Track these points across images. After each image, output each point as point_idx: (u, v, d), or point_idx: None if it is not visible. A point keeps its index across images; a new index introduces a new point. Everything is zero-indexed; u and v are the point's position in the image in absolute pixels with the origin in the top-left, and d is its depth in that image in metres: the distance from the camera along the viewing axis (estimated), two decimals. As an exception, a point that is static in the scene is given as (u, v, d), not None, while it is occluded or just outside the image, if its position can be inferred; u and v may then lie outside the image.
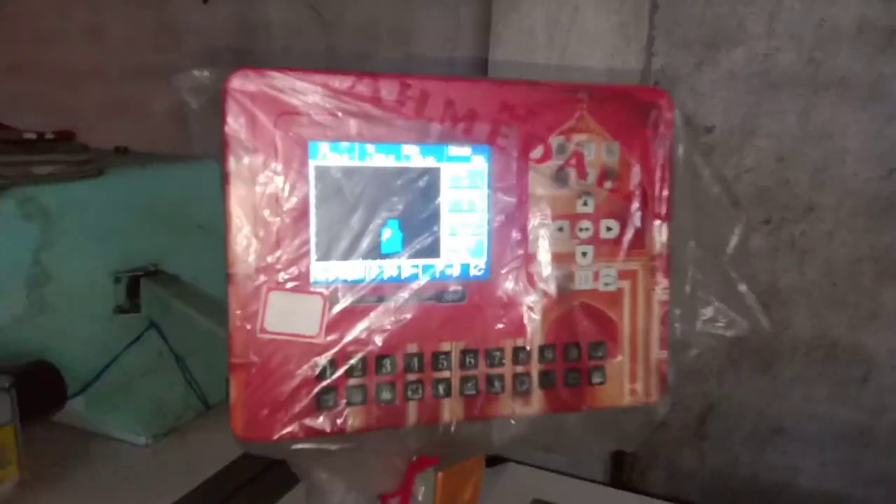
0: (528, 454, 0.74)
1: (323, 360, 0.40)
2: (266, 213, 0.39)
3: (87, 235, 0.68)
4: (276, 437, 0.40)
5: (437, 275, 0.42)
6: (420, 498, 0.47)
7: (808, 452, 0.84)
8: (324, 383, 0.40)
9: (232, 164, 0.39)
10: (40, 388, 0.63)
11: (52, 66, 1.05)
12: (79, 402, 0.69)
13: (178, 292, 0.69)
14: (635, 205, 0.45)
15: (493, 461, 0.69)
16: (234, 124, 0.39)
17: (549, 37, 0.78)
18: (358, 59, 0.87)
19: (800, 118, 0.81)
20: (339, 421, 0.40)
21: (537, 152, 0.43)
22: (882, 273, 0.79)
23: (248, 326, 0.39)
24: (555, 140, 0.43)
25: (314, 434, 0.40)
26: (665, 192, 0.45)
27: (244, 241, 0.39)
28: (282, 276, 0.40)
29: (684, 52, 0.82)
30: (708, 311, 0.46)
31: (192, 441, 0.73)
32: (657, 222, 0.45)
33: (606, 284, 0.44)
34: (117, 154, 0.81)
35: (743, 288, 0.45)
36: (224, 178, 0.39)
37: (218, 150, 0.39)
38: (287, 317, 0.40)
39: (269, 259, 0.40)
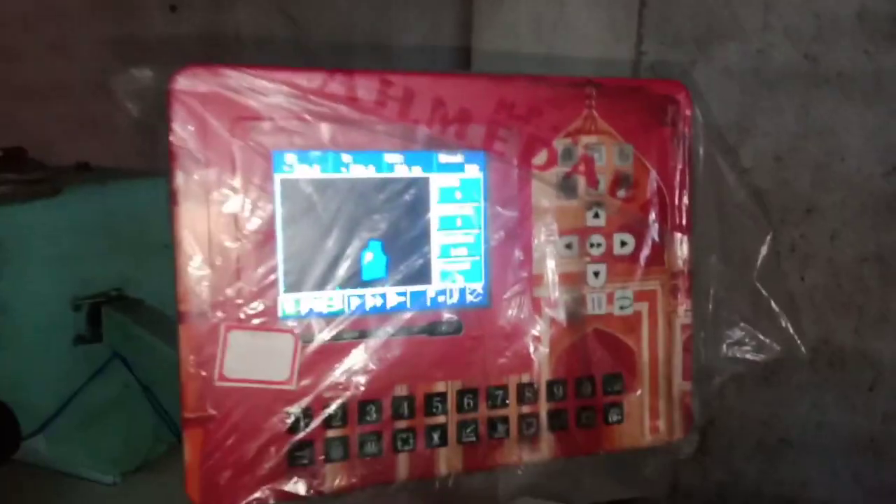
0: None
1: (295, 409, 0.35)
2: (223, 237, 0.33)
3: (42, 260, 0.63)
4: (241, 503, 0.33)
5: (428, 303, 0.37)
6: (415, 559, 0.40)
7: (817, 463, 0.79)
8: (297, 437, 0.35)
9: (180, 179, 0.33)
10: None
11: (14, 83, 0.99)
12: (39, 441, 0.64)
13: (142, 319, 0.63)
14: (653, 216, 0.40)
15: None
16: (182, 132, 0.33)
17: (534, 35, 0.73)
18: (334, 67, 0.81)
19: (798, 115, 0.76)
20: (316, 481, 0.35)
21: (540, 158, 0.38)
22: (888, 274, 0.74)
23: (204, 374, 0.33)
24: (560, 143, 0.39)
25: (287, 499, 0.34)
26: (685, 201, 0.40)
27: (197, 272, 0.33)
28: (244, 311, 0.34)
29: (675, 49, 0.77)
30: (734, 334, 0.41)
31: (165, 476, 0.67)
32: (677, 235, 0.41)
33: (622, 308, 0.40)
34: (78, 171, 0.75)
35: (775, 307, 0.39)
36: (171, 197, 0.33)
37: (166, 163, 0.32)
38: (251, 360, 0.34)
39: (229, 292, 0.34)
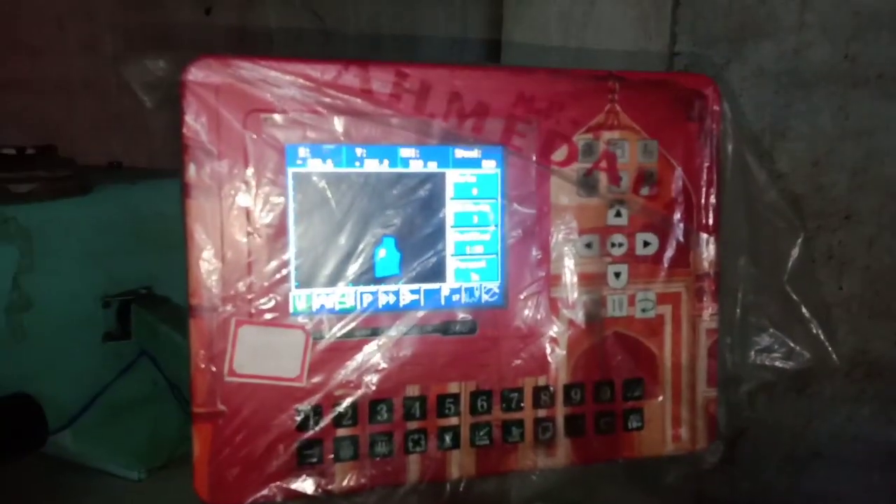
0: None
1: (305, 407, 0.34)
2: (235, 231, 0.33)
3: (72, 257, 0.62)
4: (248, 501, 0.33)
5: (442, 302, 0.36)
6: (426, 563, 0.39)
7: (851, 478, 0.75)
8: (306, 435, 0.34)
9: (192, 172, 0.32)
10: (17, 423, 0.57)
11: (46, 81, 1.01)
12: (66, 436, 0.63)
13: (169, 317, 0.63)
14: (677, 215, 0.38)
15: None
16: (195, 124, 0.32)
17: (563, 34, 0.71)
18: (361, 43, 0.81)
19: (835, 117, 0.72)
20: (324, 481, 0.34)
21: (560, 154, 0.37)
22: (930, 284, 0.70)
23: (214, 369, 0.33)
24: (581, 139, 0.37)
25: (295, 497, 0.33)
26: (712, 200, 0.38)
27: (208, 266, 0.32)
28: (255, 306, 0.33)
29: (709, 49, 0.74)
30: (763, 340, 0.39)
31: (190, 474, 0.66)
32: (703, 236, 0.39)
33: (644, 310, 0.38)
34: (110, 169, 0.75)
35: (806, 313, 0.36)
36: (183, 190, 0.32)
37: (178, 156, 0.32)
38: (261, 356, 0.33)
39: (240, 286, 0.33)
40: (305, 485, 0.33)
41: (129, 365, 0.66)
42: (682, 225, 0.38)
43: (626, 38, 0.70)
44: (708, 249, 0.38)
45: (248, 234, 0.33)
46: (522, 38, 0.71)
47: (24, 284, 0.59)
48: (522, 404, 0.36)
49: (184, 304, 0.68)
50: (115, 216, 0.66)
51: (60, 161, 0.65)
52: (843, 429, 0.75)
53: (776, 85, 0.72)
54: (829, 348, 0.37)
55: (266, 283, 0.33)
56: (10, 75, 1.03)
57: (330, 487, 0.33)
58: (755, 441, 0.77)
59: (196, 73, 0.32)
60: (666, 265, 0.38)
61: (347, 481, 0.34)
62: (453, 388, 0.36)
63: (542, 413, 0.37)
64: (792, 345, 0.39)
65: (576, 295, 0.37)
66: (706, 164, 0.38)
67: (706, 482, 0.77)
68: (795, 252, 0.38)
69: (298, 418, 0.33)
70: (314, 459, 0.33)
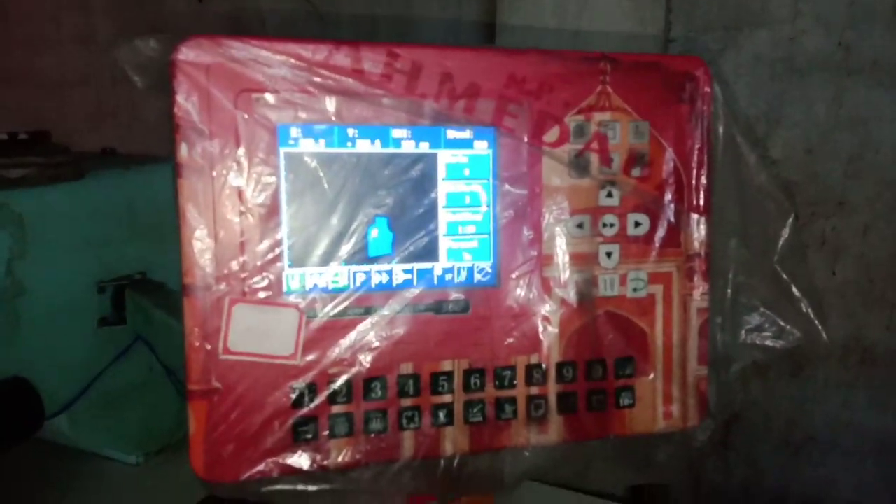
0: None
1: (300, 384, 0.34)
2: (227, 210, 0.33)
3: (66, 242, 0.62)
4: (244, 477, 0.33)
5: (435, 281, 0.36)
6: (420, 540, 0.39)
7: (845, 464, 0.76)
8: (301, 412, 0.34)
9: (183, 152, 0.32)
10: (13, 408, 0.57)
11: (41, 73, 1.00)
12: (62, 421, 0.64)
13: (164, 302, 0.63)
14: (668, 196, 0.38)
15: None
16: (186, 104, 0.32)
17: (558, 20, 0.71)
18: (356, 25, 0.81)
19: (830, 105, 0.73)
20: (319, 457, 0.34)
21: (552, 135, 0.37)
22: (923, 270, 0.70)
23: (209, 347, 0.33)
24: (572, 120, 0.37)
25: (291, 473, 0.34)
26: (703, 181, 0.39)
27: (201, 245, 0.33)
28: (248, 285, 0.33)
29: (704, 37, 0.74)
30: (753, 320, 0.39)
31: (186, 459, 0.67)
32: (694, 216, 0.39)
33: (635, 290, 0.38)
34: (104, 156, 0.75)
35: (796, 292, 0.37)
36: (175, 170, 0.32)
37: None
38: (255, 334, 0.33)
39: (233, 266, 0.33)
40: (301, 461, 0.33)
41: (124, 350, 0.66)
42: (673, 205, 0.38)
43: (621, 25, 0.70)
44: (699, 230, 0.39)
45: (241, 213, 0.33)
46: (516, 26, 0.71)
47: (17, 270, 0.59)
48: (515, 382, 0.37)
49: (179, 289, 0.69)
50: (109, 202, 0.66)
51: (54, 147, 0.65)
52: (837, 415, 0.76)
53: (771, 73, 0.73)
54: (819, 327, 0.38)
55: (259, 263, 0.33)
56: (5, 68, 1.03)
57: (325, 463, 0.34)
58: (749, 425, 0.78)
59: (187, 53, 0.32)
60: (657, 245, 0.38)
61: (342, 457, 0.34)
62: (446, 366, 0.36)
63: (534, 391, 0.37)
64: (782, 324, 0.39)
65: (567, 274, 0.37)
66: (697, 146, 0.38)
67: (703, 467, 0.78)
68: (786, 233, 0.39)
69: (293, 395, 0.34)
70: (309, 436, 0.34)
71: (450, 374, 0.36)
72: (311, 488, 0.34)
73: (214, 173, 0.32)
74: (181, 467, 0.66)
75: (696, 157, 0.38)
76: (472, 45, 0.78)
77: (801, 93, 0.72)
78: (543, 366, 0.37)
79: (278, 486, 0.33)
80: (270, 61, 0.32)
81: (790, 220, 0.39)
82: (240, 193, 0.33)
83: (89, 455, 0.65)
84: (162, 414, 0.69)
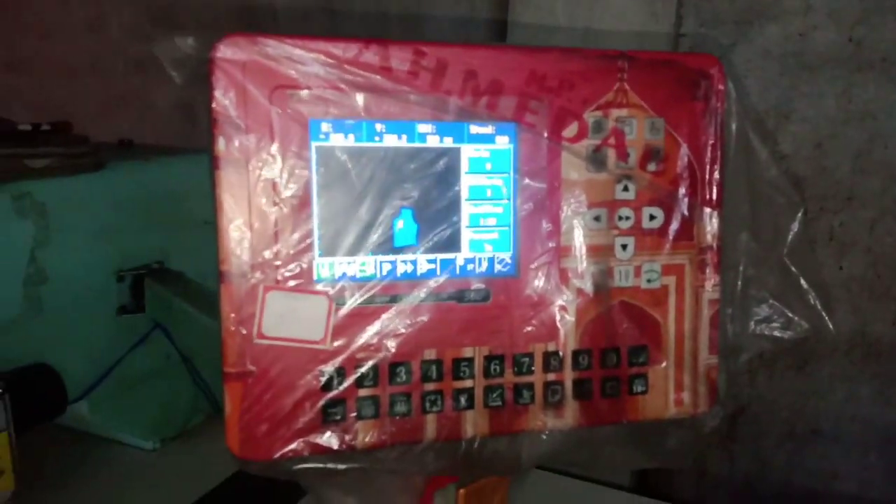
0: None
1: (329, 368, 0.36)
2: (262, 201, 0.34)
3: (87, 232, 0.64)
4: (276, 455, 0.35)
5: (458, 271, 0.38)
6: (440, 519, 0.41)
7: (849, 456, 0.77)
8: (330, 395, 0.36)
9: (221, 145, 0.34)
10: (38, 392, 0.59)
11: (52, 61, 1.02)
12: (82, 406, 0.66)
13: (182, 291, 0.64)
14: (682, 190, 0.40)
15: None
16: (223, 99, 0.33)
17: (569, 16, 0.72)
18: (367, 22, 0.82)
19: (839, 100, 0.74)
20: (348, 437, 0.36)
21: (571, 130, 0.38)
22: (930, 265, 0.72)
23: (244, 331, 0.34)
24: (591, 116, 0.38)
25: (320, 452, 0.35)
26: (716, 176, 0.40)
27: (237, 234, 0.34)
28: (281, 273, 0.35)
29: (715, 31, 0.75)
30: (762, 311, 0.41)
31: (203, 445, 0.69)
32: (707, 210, 0.40)
33: (649, 281, 0.40)
34: (121, 147, 0.77)
35: (804, 284, 0.39)
36: (213, 162, 0.34)
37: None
38: (288, 320, 0.35)
39: (267, 254, 0.35)
40: (330, 440, 0.35)
41: (142, 338, 0.68)
42: (686, 200, 0.39)
43: (632, 20, 0.71)
44: (711, 223, 0.40)
45: (275, 204, 0.34)
46: (529, 19, 0.72)
47: (40, 258, 0.61)
48: (533, 368, 0.38)
49: (196, 279, 0.70)
50: (128, 193, 0.67)
51: (75, 138, 0.66)
52: (841, 407, 0.77)
53: (781, 67, 0.74)
54: (826, 318, 0.39)
55: (291, 252, 0.35)
56: (18, 56, 1.04)
57: (353, 443, 0.35)
58: (755, 418, 0.80)
59: (224, 51, 0.33)
60: (671, 238, 0.39)
61: (369, 438, 0.36)
62: (468, 352, 0.37)
63: (551, 377, 0.38)
64: (790, 315, 0.40)
65: (584, 265, 0.38)
66: (710, 142, 0.39)
67: (708, 459, 0.80)
68: (795, 227, 0.40)
69: (323, 379, 0.35)
70: (338, 417, 0.35)
71: (471, 361, 0.37)
72: (340, 467, 0.35)
73: (250, 166, 0.34)
74: (196, 453, 0.68)
75: (709, 153, 0.39)
76: (483, 41, 0.79)
77: (810, 88, 0.74)
78: (560, 353, 0.38)
79: (308, 465, 0.35)
80: (303, 59, 0.34)
81: (799, 214, 0.40)
82: (274, 185, 0.34)
83: (106, 440, 0.67)
84: (178, 401, 0.71)
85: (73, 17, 1.01)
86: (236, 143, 0.34)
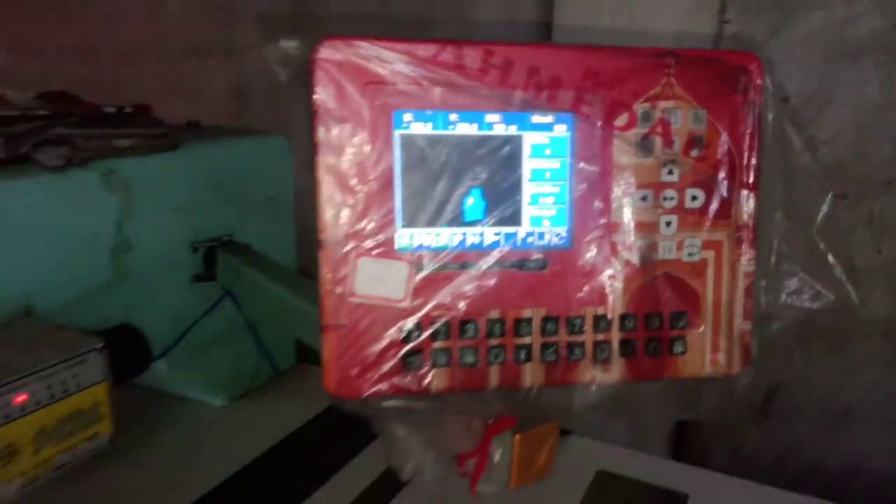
0: (591, 427, 0.73)
1: (409, 323, 0.41)
2: (354, 181, 0.40)
3: (165, 206, 0.70)
4: (365, 394, 0.41)
5: (519, 243, 0.43)
6: (497, 459, 0.48)
7: (881, 437, 0.81)
8: (410, 346, 0.41)
9: (321, 133, 0.40)
10: (128, 350, 0.65)
11: (112, 43, 1.07)
12: (160, 365, 0.72)
13: (251, 261, 0.70)
14: (722, 174, 0.44)
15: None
16: (323, 94, 0.39)
17: (615, 3, 0.76)
18: (416, 25, 0.86)
19: (883, 86, 0.77)
20: (424, 382, 0.42)
21: (622, 120, 0.43)
22: (968, 249, 0.75)
23: (339, 290, 0.41)
24: (640, 107, 0.43)
25: (401, 392, 0.41)
26: (753, 161, 0.44)
27: (333, 209, 0.40)
28: (369, 242, 0.41)
29: (758, 18, 0.79)
30: (793, 283, 0.45)
31: (265, 404, 0.75)
32: (744, 192, 0.44)
33: (690, 255, 0.44)
34: (189, 128, 0.83)
35: (831, 259, 0.44)
36: (314, 148, 0.40)
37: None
38: (375, 282, 0.41)
39: (357, 226, 0.41)
40: (409, 384, 0.41)
41: (214, 303, 0.74)
42: (725, 182, 0.43)
43: (676, 9, 0.75)
44: (748, 204, 0.44)
45: (364, 183, 0.40)
46: (574, 14, 0.75)
47: (126, 230, 0.67)
48: (584, 329, 0.42)
49: (263, 252, 0.76)
50: (200, 171, 0.72)
51: (153, 119, 0.72)
52: (875, 388, 0.81)
53: (824, 54, 0.77)
54: (852, 290, 0.44)
55: (378, 224, 0.41)
56: (79, 39, 1.10)
57: (428, 387, 0.41)
58: (790, 396, 0.84)
59: (324, 52, 0.39)
60: (710, 216, 0.43)
61: (441, 383, 0.41)
62: (527, 313, 0.42)
63: (600, 337, 0.43)
64: (819, 288, 0.44)
65: (632, 240, 0.43)
66: (748, 131, 0.43)
67: (742, 436, 0.84)
68: (824, 209, 0.44)
69: (403, 332, 0.41)
70: (416, 365, 0.41)
71: (529, 321, 0.42)
72: (417, 406, 0.42)
73: (345, 151, 0.40)
74: (260, 411, 0.75)
75: (747, 141, 0.44)
76: (530, 40, 0.82)
77: (853, 74, 0.77)
78: (609, 316, 0.43)
79: (392, 403, 0.41)
80: (390, 58, 0.39)
81: (829, 196, 0.45)
82: (364, 167, 0.40)
83: (179, 399, 0.74)
84: (243, 364, 0.78)
85: (134, 2, 1.06)
86: (334, 132, 0.40)
